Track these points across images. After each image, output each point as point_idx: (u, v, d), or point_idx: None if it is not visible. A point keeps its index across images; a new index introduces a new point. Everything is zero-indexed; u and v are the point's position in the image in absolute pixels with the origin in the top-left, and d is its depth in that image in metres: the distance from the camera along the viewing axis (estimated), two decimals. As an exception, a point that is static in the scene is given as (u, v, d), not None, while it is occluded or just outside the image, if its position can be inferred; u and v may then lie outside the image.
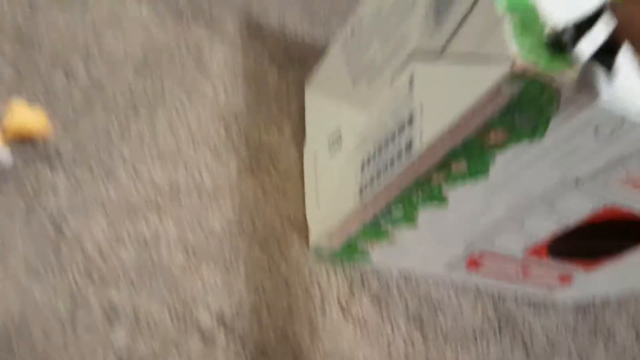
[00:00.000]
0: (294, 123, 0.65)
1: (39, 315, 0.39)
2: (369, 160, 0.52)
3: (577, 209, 0.52)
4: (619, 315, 0.80)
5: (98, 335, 0.40)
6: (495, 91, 0.38)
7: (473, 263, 0.60)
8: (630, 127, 0.42)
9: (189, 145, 0.55)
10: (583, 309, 0.75)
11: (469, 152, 0.44)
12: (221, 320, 0.46)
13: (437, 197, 0.50)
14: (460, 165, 0.46)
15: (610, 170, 0.47)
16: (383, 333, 0.55)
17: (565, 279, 0.66)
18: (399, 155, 0.47)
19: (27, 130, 0.44)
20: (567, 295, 0.70)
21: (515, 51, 0.36)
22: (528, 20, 0.39)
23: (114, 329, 0.40)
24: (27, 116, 0.43)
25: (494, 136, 0.42)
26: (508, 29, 0.38)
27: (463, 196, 0.49)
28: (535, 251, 0.59)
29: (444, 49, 0.45)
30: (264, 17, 0.74)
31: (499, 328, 0.62)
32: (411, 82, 0.50)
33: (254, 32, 0.71)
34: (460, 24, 0.43)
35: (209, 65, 0.63)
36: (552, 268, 0.63)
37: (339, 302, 0.54)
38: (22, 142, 0.45)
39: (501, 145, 0.43)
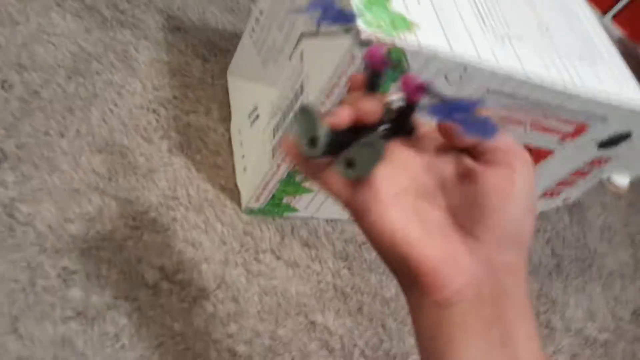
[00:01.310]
0: (220, 106, 0.73)
1: (2, 285, 0.47)
2: (277, 127, 0.61)
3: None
4: (535, 238, 0.91)
5: (56, 295, 0.48)
6: (350, 57, 0.47)
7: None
8: (473, 72, 0.51)
9: (122, 134, 0.63)
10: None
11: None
12: (164, 274, 0.55)
13: (336, 150, 0.59)
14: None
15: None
16: (313, 270, 0.64)
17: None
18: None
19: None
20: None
21: (361, 23, 0.45)
22: (374, 2, 0.48)
23: (70, 289, 0.49)
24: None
25: (364, 92, 0.51)
26: (358, 6, 0.47)
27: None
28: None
29: (318, 28, 0.54)
30: (184, 14, 0.81)
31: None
32: (302, 56, 0.58)
33: (176, 29, 0.78)
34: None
35: (136, 65, 0.71)
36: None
37: (272, 250, 0.63)
38: (-27, 148, 0.53)
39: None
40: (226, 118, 0.72)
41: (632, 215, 1.09)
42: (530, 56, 0.55)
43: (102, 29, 0.72)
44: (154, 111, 0.68)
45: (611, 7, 1.54)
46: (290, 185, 0.62)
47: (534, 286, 0.82)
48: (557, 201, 0.82)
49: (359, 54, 0.47)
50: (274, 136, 0.61)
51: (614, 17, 1.55)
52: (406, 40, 0.47)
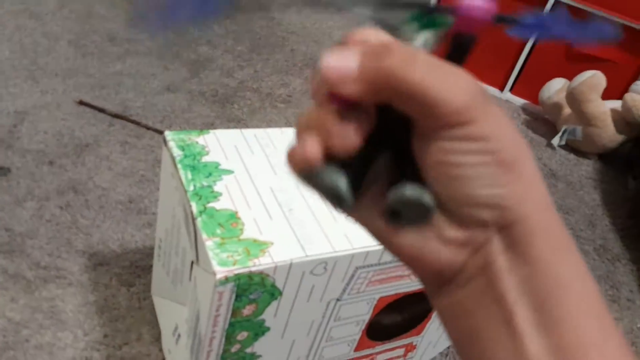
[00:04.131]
0: (151, 327, 0.78)
1: None
2: (192, 345, 0.65)
3: (361, 311, 0.67)
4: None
5: None
6: (218, 294, 0.53)
7: (322, 376, 0.73)
8: (334, 262, 0.57)
9: (58, 396, 0.67)
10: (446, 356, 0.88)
11: (240, 325, 0.58)
12: None
13: (247, 358, 0.63)
14: (243, 334, 0.60)
15: (351, 284, 0.62)
16: None
17: (410, 348, 0.80)
18: (200, 339, 0.61)
19: None
20: (420, 356, 0.84)
21: (215, 265, 0.52)
22: (227, 237, 0.55)
23: None
24: None
25: (248, 310, 0.57)
26: (213, 249, 0.54)
27: (267, 348, 0.63)
28: (363, 345, 0.73)
29: (197, 260, 0.61)
30: (105, 246, 0.89)
31: (367, 417, 0.74)
32: (195, 282, 0.65)
33: (99, 264, 0.85)
34: (196, 245, 0.58)
35: (64, 317, 0.76)
36: (391, 346, 0.77)
37: None
38: None
39: (258, 313, 0.58)
40: (158, 337, 0.77)
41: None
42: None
43: (27, 292, 0.78)
44: (87, 356, 0.72)
45: (505, 83, 1.69)
46: (220, 397, 0.66)
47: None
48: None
49: (223, 290, 0.53)
50: (191, 353, 0.66)
51: (511, 90, 1.70)
52: (260, 263, 0.53)
